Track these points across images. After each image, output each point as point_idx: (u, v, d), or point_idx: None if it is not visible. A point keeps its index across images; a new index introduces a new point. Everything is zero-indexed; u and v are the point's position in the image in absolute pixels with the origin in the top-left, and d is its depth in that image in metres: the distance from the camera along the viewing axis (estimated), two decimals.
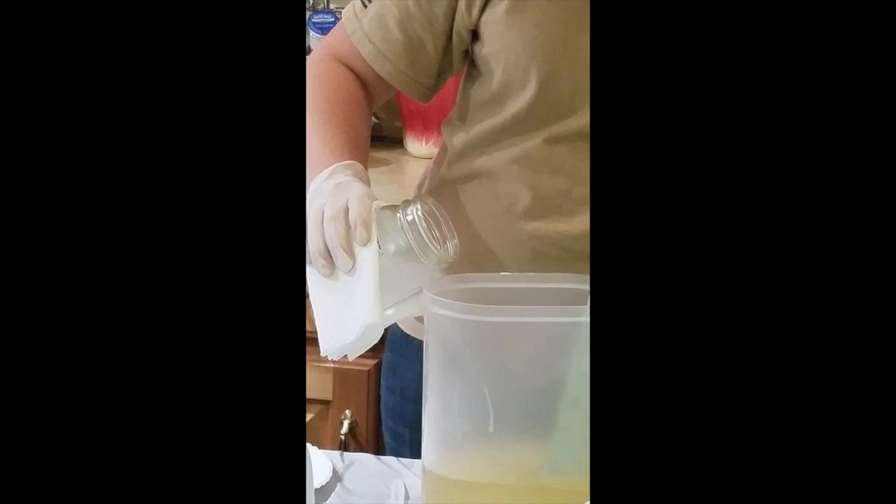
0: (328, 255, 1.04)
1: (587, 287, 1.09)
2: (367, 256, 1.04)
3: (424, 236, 1.05)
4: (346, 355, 1.05)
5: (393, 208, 1.07)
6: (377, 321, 1.02)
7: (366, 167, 1.16)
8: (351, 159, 1.14)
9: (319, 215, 1.05)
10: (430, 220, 1.05)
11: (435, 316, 1.06)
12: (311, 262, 1.05)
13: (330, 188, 1.08)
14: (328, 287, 1.04)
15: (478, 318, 1.05)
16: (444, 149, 1.29)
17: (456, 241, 1.08)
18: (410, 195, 1.32)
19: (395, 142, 2.24)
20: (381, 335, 1.04)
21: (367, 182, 1.12)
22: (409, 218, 1.05)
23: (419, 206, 1.05)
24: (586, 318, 1.03)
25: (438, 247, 1.05)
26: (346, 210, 1.05)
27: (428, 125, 2.21)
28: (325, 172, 1.12)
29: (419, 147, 2.22)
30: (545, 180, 1.20)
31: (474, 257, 1.22)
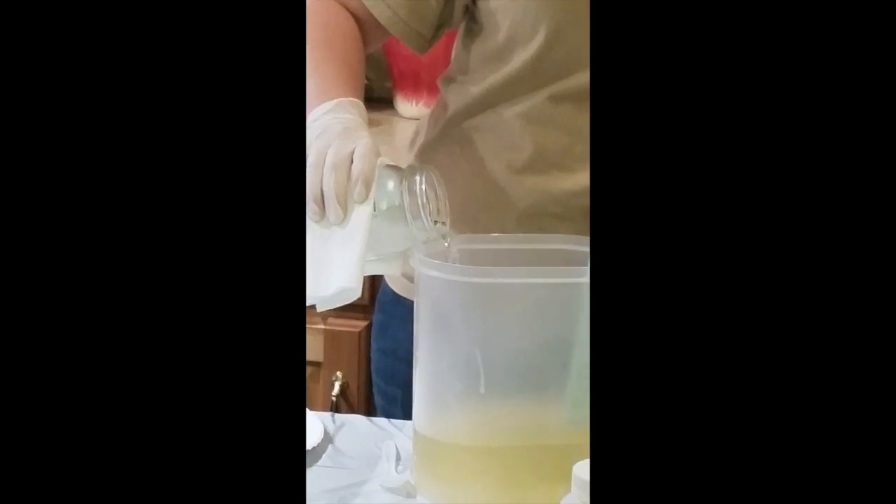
0: (322, 201, 1.03)
1: (579, 248, 1.09)
2: (361, 215, 1.03)
3: (421, 208, 1.04)
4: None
5: (396, 170, 1.06)
6: (354, 287, 1.01)
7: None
8: (353, 97, 1.13)
9: (321, 158, 1.03)
10: (429, 193, 1.05)
11: (425, 277, 1.06)
12: None
13: (338, 131, 1.06)
14: (314, 232, 1.03)
15: (468, 279, 1.04)
16: (440, 105, 1.28)
17: (447, 219, 1.07)
18: (401, 156, 1.32)
19: (386, 102, 2.23)
20: (355, 297, 1.03)
21: (367, 124, 1.11)
22: (413, 187, 1.04)
23: (423, 178, 1.05)
24: (577, 279, 1.03)
25: (430, 222, 1.05)
26: (350, 160, 1.04)
27: (418, 86, 2.20)
28: (329, 104, 1.10)
29: (409, 108, 2.21)
30: (547, 136, 1.20)
31: (473, 213, 1.22)
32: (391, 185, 1.05)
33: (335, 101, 1.10)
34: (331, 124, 1.07)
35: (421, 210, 1.04)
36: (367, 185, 1.03)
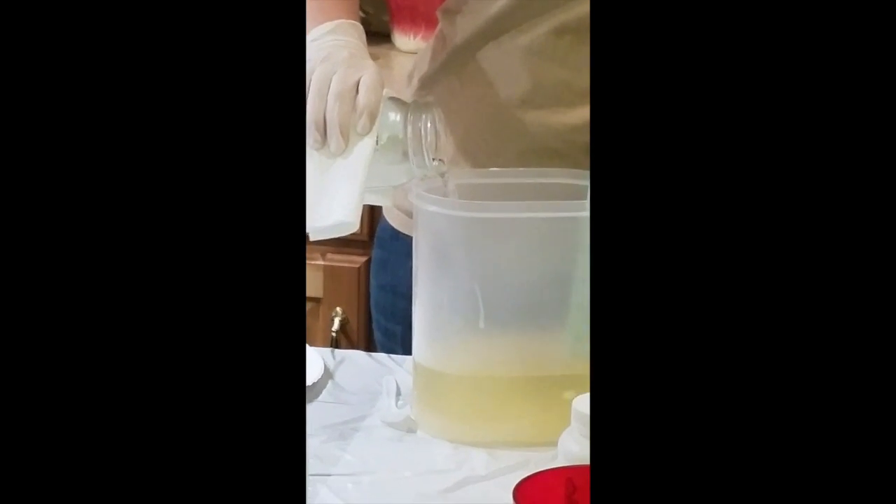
0: (324, 129, 1.02)
1: (579, 182, 1.09)
2: (363, 148, 1.02)
3: (423, 146, 1.04)
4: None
5: (399, 103, 1.06)
6: (352, 221, 1.01)
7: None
8: (352, 18, 1.11)
9: (325, 84, 1.02)
10: (432, 130, 1.04)
11: (424, 212, 1.06)
12: None
13: (343, 57, 1.05)
14: (312, 160, 1.03)
15: (467, 213, 1.04)
16: (439, 38, 1.27)
17: (446, 157, 1.07)
18: (399, 90, 1.31)
19: (383, 36, 2.22)
20: (352, 231, 1.02)
21: (366, 48, 1.10)
22: (417, 124, 1.04)
23: (428, 117, 1.04)
24: (577, 213, 1.02)
25: (430, 160, 1.04)
26: (356, 90, 1.03)
27: (416, 19, 2.18)
28: (330, 25, 1.08)
29: (407, 41, 2.20)
30: (547, 70, 1.18)
31: (473, 148, 1.21)
32: (393, 117, 1.05)
33: (335, 22, 1.09)
34: (335, 48, 1.06)
35: (423, 148, 1.04)
36: (372, 118, 1.02)
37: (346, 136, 1.02)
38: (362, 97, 1.02)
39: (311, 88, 1.02)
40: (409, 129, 1.04)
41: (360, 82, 1.02)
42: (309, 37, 1.08)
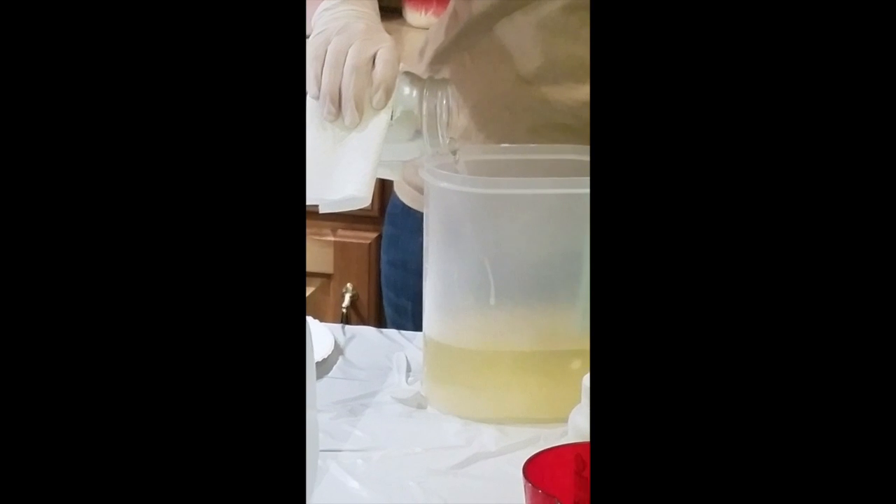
0: (339, 102, 1.02)
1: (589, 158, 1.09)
2: (378, 123, 1.02)
3: (439, 124, 1.04)
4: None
5: (414, 78, 1.05)
6: (364, 197, 1.01)
7: None
8: None
9: (341, 56, 1.02)
10: (447, 108, 1.04)
11: (435, 189, 1.05)
12: (314, 96, 1.02)
13: (360, 29, 1.05)
14: (326, 132, 1.03)
15: (478, 190, 1.04)
16: (452, 14, 1.26)
17: (456, 136, 1.07)
18: (410, 65, 1.31)
19: (395, 12, 2.21)
20: (362, 206, 1.02)
21: (380, 19, 1.09)
22: (433, 101, 1.03)
23: (443, 94, 1.04)
24: (587, 190, 1.02)
25: (445, 139, 1.04)
26: (372, 64, 1.02)
27: None
28: None
29: (418, 17, 2.20)
30: (559, 45, 1.18)
31: (484, 124, 1.21)
32: (408, 92, 1.05)
33: None
34: (351, 19, 1.06)
35: (438, 126, 1.04)
36: (388, 93, 1.02)
37: (361, 110, 1.02)
38: (379, 71, 1.02)
39: (326, 60, 1.02)
40: (425, 106, 1.04)
41: (377, 56, 1.02)
42: (322, 6, 1.08)
